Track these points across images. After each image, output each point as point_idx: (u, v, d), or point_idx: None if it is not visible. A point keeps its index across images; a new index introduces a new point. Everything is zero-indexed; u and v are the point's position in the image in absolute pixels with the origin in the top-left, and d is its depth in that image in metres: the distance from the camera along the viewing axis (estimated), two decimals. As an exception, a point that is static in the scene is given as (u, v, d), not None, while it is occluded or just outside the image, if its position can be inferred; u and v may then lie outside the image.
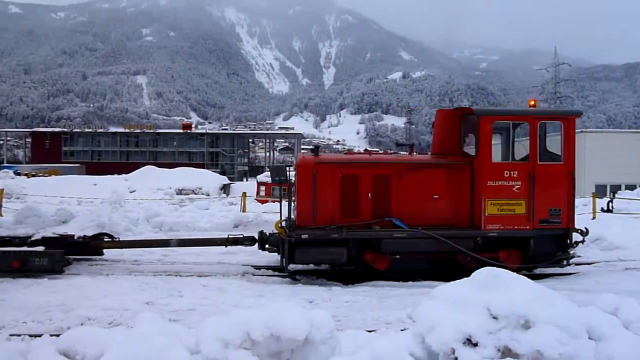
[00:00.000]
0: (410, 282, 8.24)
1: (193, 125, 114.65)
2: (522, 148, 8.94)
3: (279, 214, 8.93)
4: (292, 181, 8.89)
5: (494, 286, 4.15)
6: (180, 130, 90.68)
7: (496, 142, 9.20)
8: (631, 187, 30.39)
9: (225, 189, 41.50)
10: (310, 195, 8.46)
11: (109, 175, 42.71)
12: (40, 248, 8.68)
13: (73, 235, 9.34)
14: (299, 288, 7.83)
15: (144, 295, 7.12)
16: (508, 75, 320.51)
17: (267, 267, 9.27)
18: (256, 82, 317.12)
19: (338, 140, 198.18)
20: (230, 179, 58.54)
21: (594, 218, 16.74)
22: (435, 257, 8.92)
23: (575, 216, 8.90)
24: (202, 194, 35.77)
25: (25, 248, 8.67)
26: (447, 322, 4.00)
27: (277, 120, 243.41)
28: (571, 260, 8.96)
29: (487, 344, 3.81)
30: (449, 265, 8.94)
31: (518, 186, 8.63)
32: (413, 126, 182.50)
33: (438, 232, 8.34)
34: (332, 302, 6.91)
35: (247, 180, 67.64)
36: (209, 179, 42.19)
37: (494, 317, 3.99)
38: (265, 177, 31.74)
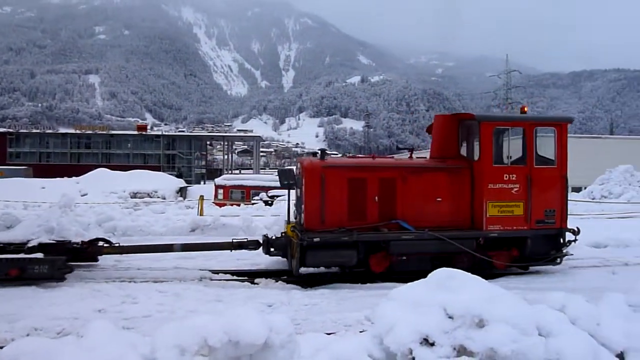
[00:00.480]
0: (368, 284, 8.32)
1: (148, 127, 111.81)
2: (518, 152, 9.29)
3: (287, 217, 8.90)
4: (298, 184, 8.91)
5: (450, 287, 4.25)
6: (135, 132, 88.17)
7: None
8: (577, 190, 31.82)
9: (182, 192, 40.72)
10: (319, 198, 8.43)
11: (58, 178, 40.97)
12: (39, 255, 8.17)
13: (70, 241, 8.81)
14: (257, 292, 7.75)
15: (96, 303, 6.86)
16: (463, 81, 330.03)
17: (225, 272, 9.13)
18: (214, 84, 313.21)
19: (297, 143, 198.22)
20: (187, 182, 57.46)
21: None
22: (438, 258, 8.79)
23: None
24: (158, 197, 34.94)
25: (22, 255, 8.15)
26: (404, 323, 4.06)
27: (236, 122, 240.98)
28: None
29: (443, 343, 3.89)
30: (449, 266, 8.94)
31: (516, 188, 8.97)
32: (371, 130, 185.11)
33: (443, 233, 8.55)
34: (291, 305, 6.89)
35: (204, 184, 66.57)
36: (165, 182, 41.28)
37: (450, 317, 4.08)
38: (223, 180, 31.33)
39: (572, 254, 9.63)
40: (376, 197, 8.73)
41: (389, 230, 8.59)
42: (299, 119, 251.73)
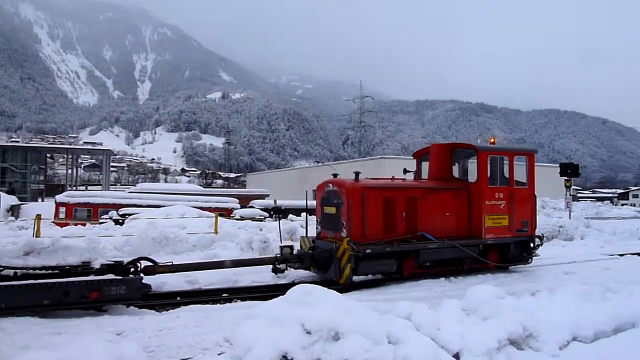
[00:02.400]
0: (228, 305, 8.13)
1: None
2: (505, 175, 11.41)
3: (343, 232, 9.52)
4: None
5: (307, 302, 4.34)
6: (-46, 141, 75.50)
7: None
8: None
9: (13, 210, 35.76)
10: (360, 215, 9.59)
11: None
12: (110, 276, 7.75)
13: (122, 262, 8.23)
14: (105, 320, 7.06)
15: None
16: (321, 103, 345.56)
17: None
18: (57, 90, 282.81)
19: (153, 159, 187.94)
20: (22, 199, 50.68)
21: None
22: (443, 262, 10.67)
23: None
24: (-18, 216, 30.20)
25: (93, 277, 7.71)
26: (263, 341, 4.03)
27: (83, 134, 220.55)
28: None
29: (301, 359, 3.94)
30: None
31: (503, 204, 11.15)
32: (232, 147, 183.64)
33: (455, 242, 10.32)
34: (145, 331, 6.40)
35: (43, 201, 59.42)
36: (-8, 199, 35.86)
37: (307, 332, 4.16)
38: (66, 197, 28.23)
39: (539, 255, 12.09)
40: (404, 213, 10.20)
41: (417, 241, 10.06)
42: (155, 133, 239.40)
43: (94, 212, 26.44)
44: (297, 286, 4.66)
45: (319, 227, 10.57)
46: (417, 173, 12.64)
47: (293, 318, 4.27)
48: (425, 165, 12.26)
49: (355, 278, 9.60)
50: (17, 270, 7.63)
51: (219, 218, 15.80)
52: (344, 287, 9.17)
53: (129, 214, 20.74)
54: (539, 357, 4.82)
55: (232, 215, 24.30)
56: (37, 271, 7.74)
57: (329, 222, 10.15)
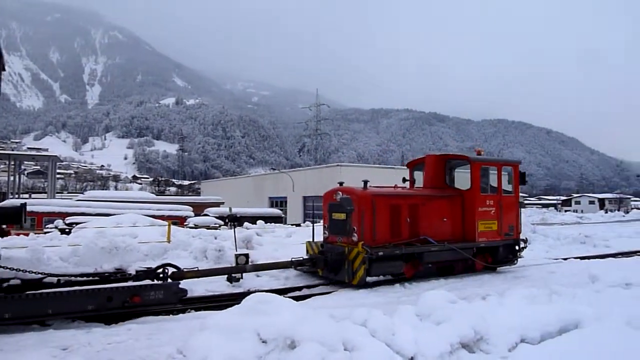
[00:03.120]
0: (181, 315, 7.92)
1: None
2: (494, 184, 12.40)
3: (354, 236, 10.53)
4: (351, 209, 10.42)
5: (263, 311, 4.30)
6: None
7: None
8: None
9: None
10: (371, 220, 10.31)
11: None
12: (147, 281, 8.10)
13: (152, 268, 8.59)
14: (50, 334, 6.71)
15: None
16: (277, 110, 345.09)
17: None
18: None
19: (102, 166, 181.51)
20: (-42, 207, 47.62)
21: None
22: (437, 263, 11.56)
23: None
24: None
25: (132, 283, 8.05)
26: (218, 352, 3.95)
27: (27, 139, 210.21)
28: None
29: (257, 369, 3.89)
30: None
31: (493, 211, 12.13)
32: (186, 153, 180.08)
33: (453, 245, 11.15)
34: (93, 346, 6.12)
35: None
36: None
37: (263, 342, 4.11)
38: (9, 203, 26.78)
39: (523, 257, 13.04)
40: (408, 219, 10.99)
41: (421, 245, 10.89)
42: (105, 139, 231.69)
43: (38, 221, 25.20)
44: (252, 295, 4.60)
45: (326, 232, 11.26)
46: (411, 182, 13.60)
47: (248, 327, 4.21)
48: (417, 175, 13.41)
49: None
50: (60, 278, 7.96)
51: (172, 227, 15.42)
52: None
53: (76, 223, 19.90)
54: (489, 359, 4.96)
55: (186, 223, 23.77)
56: (79, 278, 8.13)
57: (337, 227, 10.79)
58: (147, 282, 8.14)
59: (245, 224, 21.14)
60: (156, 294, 7.90)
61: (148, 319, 7.57)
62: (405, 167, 14.41)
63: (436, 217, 11.50)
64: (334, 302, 8.82)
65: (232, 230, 14.21)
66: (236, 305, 4.61)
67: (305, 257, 10.92)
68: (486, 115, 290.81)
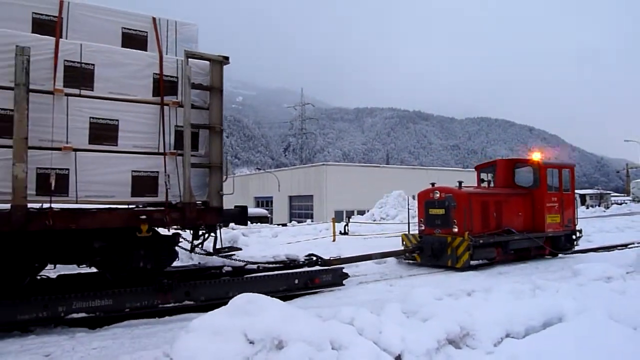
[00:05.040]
0: (167, 317, 7.85)
1: None
2: (557, 184, 14.63)
3: (454, 228, 12.89)
4: (453, 205, 12.48)
5: (250, 311, 4.28)
6: None
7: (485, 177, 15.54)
8: (362, 212, 35.65)
9: None
10: (469, 214, 12.38)
11: None
12: (317, 268, 9.94)
13: (310, 256, 10.34)
14: (32, 341, 6.59)
15: None
16: (263, 110, 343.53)
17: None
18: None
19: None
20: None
21: (334, 240, 18.97)
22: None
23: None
24: None
25: (307, 268, 9.86)
26: (205, 354, 3.93)
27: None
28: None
29: (244, 370, 3.87)
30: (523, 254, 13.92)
31: (556, 206, 14.39)
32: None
33: (530, 235, 13.59)
34: (77, 351, 6.04)
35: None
36: None
37: (250, 342, 4.10)
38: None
39: (579, 245, 15.41)
40: (494, 213, 13.26)
41: (506, 234, 13.14)
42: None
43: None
44: (239, 295, 4.58)
45: (422, 225, 13.43)
46: (478, 182, 15.70)
47: (235, 328, 4.19)
48: (483, 176, 15.66)
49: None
50: (259, 265, 9.67)
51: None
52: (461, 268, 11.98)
53: None
54: (475, 354, 5.01)
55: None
56: (267, 265, 9.73)
57: (435, 221, 12.99)
58: (317, 267, 9.96)
59: (231, 224, 21.02)
60: (327, 277, 9.81)
61: (133, 322, 7.49)
62: (474, 168, 16.83)
63: (514, 212, 13.81)
64: (314, 302, 8.84)
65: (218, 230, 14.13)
66: (223, 307, 4.58)
67: (402, 247, 13.35)
68: (469, 114, 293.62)
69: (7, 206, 6.47)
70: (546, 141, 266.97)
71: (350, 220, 25.81)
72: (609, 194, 72.57)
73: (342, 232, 21.64)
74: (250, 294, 4.61)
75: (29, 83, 6.48)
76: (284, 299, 7.63)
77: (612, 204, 52.96)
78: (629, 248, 16.19)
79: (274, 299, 4.64)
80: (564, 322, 5.94)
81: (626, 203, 55.02)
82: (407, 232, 13.84)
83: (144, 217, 7.51)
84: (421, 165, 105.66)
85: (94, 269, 8.58)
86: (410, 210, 16.38)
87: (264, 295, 4.59)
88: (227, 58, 8.48)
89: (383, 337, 4.74)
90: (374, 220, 27.15)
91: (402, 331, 4.90)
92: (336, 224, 21.03)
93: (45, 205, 6.90)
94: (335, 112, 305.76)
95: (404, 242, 13.43)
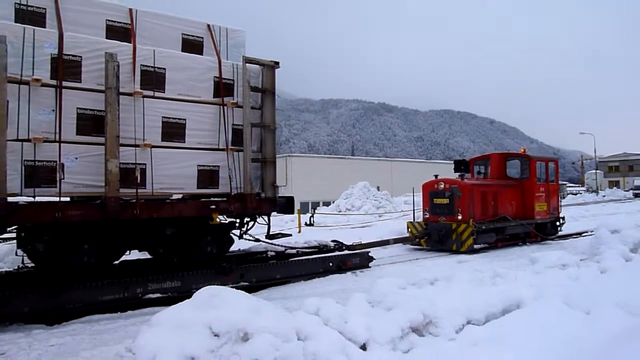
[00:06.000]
0: (129, 311, 7.68)
1: None
2: (544, 175, 16.15)
3: (459, 215, 13.60)
4: (458, 195, 13.74)
5: (215, 304, 4.23)
6: None
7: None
8: (327, 204, 35.81)
9: None
10: (472, 203, 13.68)
11: None
12: (347, 252, 11.07)
13: (337, 242, 11.47)
14: (-15, 338, 6.34)
15: None
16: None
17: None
18: None
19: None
20: None
21: (299, 232, 19.01)
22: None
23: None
24: None
25: (338, 252, 10.89)
26: (169, 348, 3.87)
27: None
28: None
29: (209, 363, 3.84)
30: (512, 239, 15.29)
31: (544, 195, 15.91)
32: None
33: (523, 221, 15.07)
34: (33, 349, 5.84)
35: None
36: None
37: (215, 335, 4.06)
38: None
39: (562, 231, 16.97)
40: (492, 202, 14.64)
41: (503, 221, 14.58)
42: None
43: None
44: (203, 288, 4.52)
45: (427, 213, 14.56)
46: (472, 174, 16.78)
47: (200, 322, 4.14)
48: (476, 168, 17.02)
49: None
50: (298, 250, 10.58)
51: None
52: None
53: None
54: (437, 341, 5.13)
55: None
56: (305, 249, 10.69)
57: (439, 209, 14.16)
58: (345, 252, 11.00)
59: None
60: (356, 260, 10.83)
61: (94, 317, 7.28)
62: (468, 161, 17.95)
63: (508, 201, 15.23)
64: (286, 293, 8.84)
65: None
66: (187, 300, 4.52)
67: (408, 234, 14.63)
68: (433, 106, 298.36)
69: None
70: (506, 133, 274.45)
71: (316, 211, 25.89)
72: (565, 184, 75.41)
73: (308, 223, 21.69)
74: (215, 287, 4.56)
75: (119, 86, 7.21)
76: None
77: (567, 194, 55.05)
78: (583, 236, 16.88)
79: (239, 291, 4.60)
80: (521, 308, 6.15)
81: (581, 193, 57.40)
82: (412, 220, 15.13)
83: (213, 207, 8.39)
84: (386, 157, 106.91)
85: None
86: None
87: (228, 288, 4.56)
88: (277, 63, 9.37)
89: (348, 326, 4.79)
90: (340, 212, 27.33)
91: (367, 320, 4.96)
92: (302, 215, 21.06)
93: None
94: (300, 103, 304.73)
95: (410, 229, 14.62)
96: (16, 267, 8.88)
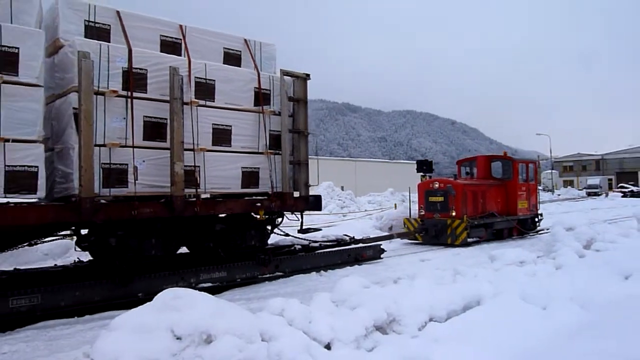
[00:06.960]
0: (87, 316, 7.44)
1: None
2: (525, 176, 17.76)
3: (453, 212, 15.02)
4: (452, 194, 14.97)
5: (177, 306, 4.15)
6: None
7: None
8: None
9: None
10: (465, 202, 15.14)
11: None
12: (360, 245, 11.98)
13: (346, 236, 12.13)
14: None
15: None
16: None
17: None
18: None
19: None
20: None
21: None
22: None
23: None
24: None
25: (355, 245, 11.89)
26: (129, 352, 3.78)
27: None
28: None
29: (171, 367, 3.76)
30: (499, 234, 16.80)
31: (525, 194, 17.47)
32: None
33: (508, 218, 16.66)
34: (-16, 357, 5.58)
35: None
36: None
37: (178, 338, 3.98)
38: None
39: (540, 226, 18.46)
40: (481, 200, 16.08)
41: (492, 217, 16.11)
42: None
43: None
44: (165, 290, 4.43)
45: (422, 210, 15.78)
46: (459, 175, 18.35)
47: (162, 325, 4.05)
48: (463, 169, 18.48)
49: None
50: (321, 243, 11.33)
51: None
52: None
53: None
54: (401, 339, 5.20)
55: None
56: (328, 243, 11.50)
57: (434, 207, 15.43)
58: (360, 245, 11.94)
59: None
60: (370, 252, 11.90)
61: (49, 323, 7.01)
62: (455, 163, 19.87)
63: (494, 199, 16.65)
64: (249, 293, 8.77)
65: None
66: (148, 302, 4.41)
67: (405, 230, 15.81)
68: (396, 107, 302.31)
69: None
70: (467, 134, 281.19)
71: (281, 211, 25.70)
72: (522, 183, 78.00)
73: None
74: (178, 288, 4.47)
75: (182, 97, 8.08)
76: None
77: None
78: (540, 234, 17.52)
79: (202, 292, 4.53)
80: (481, 304, 6.32)
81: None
82: (408, 217, 16.29)
83: (259, 204, 9.36)
84: (350, 157, 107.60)
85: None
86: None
87: (191, 290, 4.48)
88: (308, 75, 10.69)
89: (313, 326, 4.79)
90: (304, 211, 27.16)
91: (332, 320, 4.98)
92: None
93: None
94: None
95: (406, 225, 15.83)
96: (73, 262, 9.60)
